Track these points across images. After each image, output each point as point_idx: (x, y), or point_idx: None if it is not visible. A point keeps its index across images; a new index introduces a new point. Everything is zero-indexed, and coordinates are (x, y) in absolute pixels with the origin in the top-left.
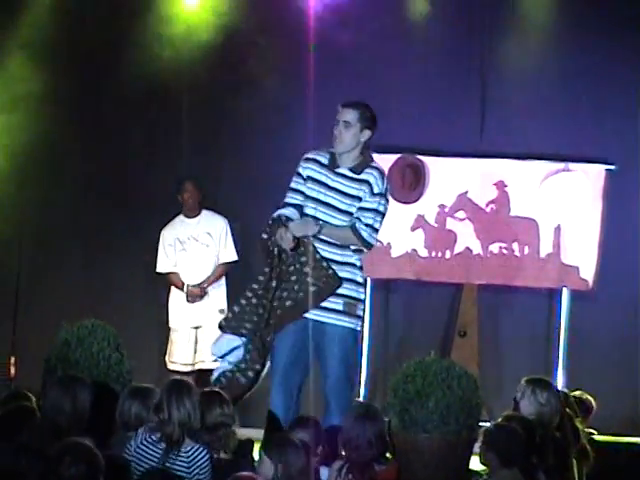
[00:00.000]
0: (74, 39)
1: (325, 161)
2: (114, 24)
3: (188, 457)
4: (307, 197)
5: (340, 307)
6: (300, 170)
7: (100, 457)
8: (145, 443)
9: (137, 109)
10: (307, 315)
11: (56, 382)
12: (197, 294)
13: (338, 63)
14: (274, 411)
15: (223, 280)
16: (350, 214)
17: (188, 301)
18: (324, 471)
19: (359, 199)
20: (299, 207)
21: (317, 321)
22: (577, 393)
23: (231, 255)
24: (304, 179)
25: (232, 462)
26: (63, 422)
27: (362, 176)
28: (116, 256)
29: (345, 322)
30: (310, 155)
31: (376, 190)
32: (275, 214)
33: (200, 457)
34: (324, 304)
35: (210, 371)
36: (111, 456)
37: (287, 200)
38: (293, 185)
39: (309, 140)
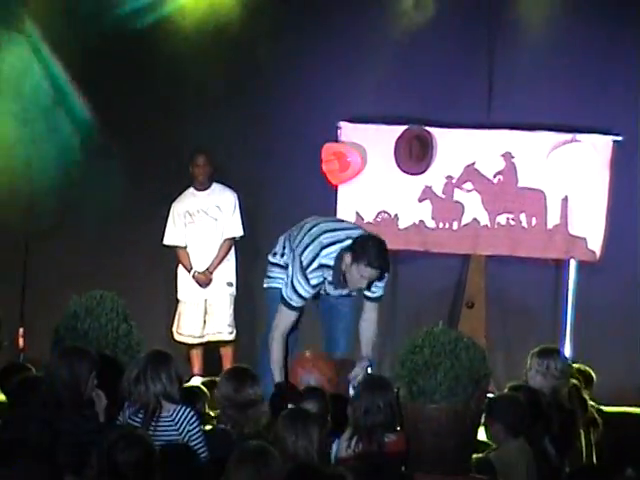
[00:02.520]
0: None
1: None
2: None
3: (173, 419)
4: None
5: None
6: None
7: (153, 444)
8: (131, 416)
9: (152, 80)
10: None
11: (57, 354)
12: (204, 281)
13: (347, 38)
14: None
15: (232, 254)
16: None
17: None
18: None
19: None
20: None
21: None
22: (577, 365)
23: (237, 230)
24: None
25: (257, 437)
26: (62, 393)
27: None
28: (126, 228)
29: None
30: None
31: None
32: None
33: (184, 415)
34: None
35: (218, 343)
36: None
37: None
38: None
39: (319, 114)
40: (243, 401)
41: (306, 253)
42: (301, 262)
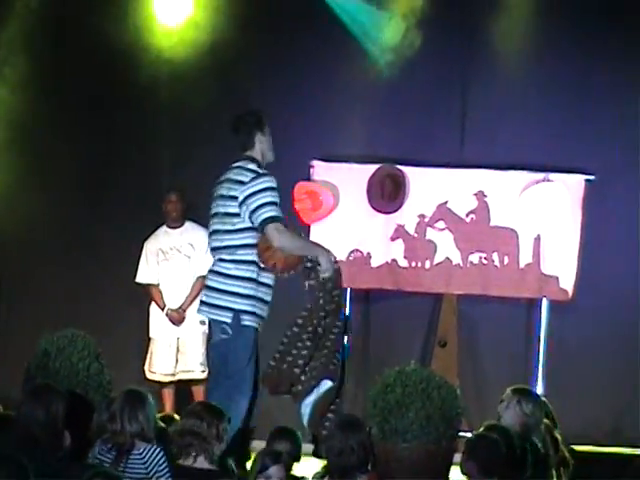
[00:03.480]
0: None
1: None
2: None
3: (142, 458)
4: None
5: None
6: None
7: None
8: (102, 453)
9: (124, 118)
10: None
11: (29, 392)
12: (177, 319)
13: (321, 77)
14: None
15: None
16: None
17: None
18: None
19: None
20: None
21: None
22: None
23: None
24: None
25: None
26: (37, 431)
27: None
28: (99, 266)
29: None
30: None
31: None
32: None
33: (154, 455)
34: None
35: (190, 381)
36: None
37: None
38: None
39: (292, 152)
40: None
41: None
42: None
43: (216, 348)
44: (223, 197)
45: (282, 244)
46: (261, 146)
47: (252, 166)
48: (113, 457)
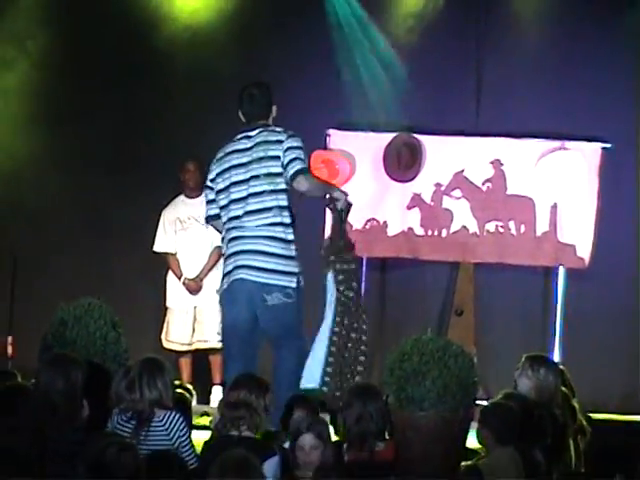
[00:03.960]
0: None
1: None
2: None
3: (164, 425)
4: None
5: None
6: None
7: (138, 452)
8: (121, 422)
9: (140, 87)
10: None
11: (49, 361)
12: (194, 289)
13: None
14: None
15: (221, 261)
16: None
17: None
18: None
19: None
20: None
21: None
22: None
23: None
24: None
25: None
26: (57, 400)
27: None
28: (115, 235)
29: None
30: None
31: None
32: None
33: (175, 421)
34: None
35: (207, 350)
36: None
37: None
38: None
39: (308, 121)
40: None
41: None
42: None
43: (274, 311)
44: (262, 159)
45: (310, 188)
46: (273, 118)
47: (279, 128)
48: (133, 426)
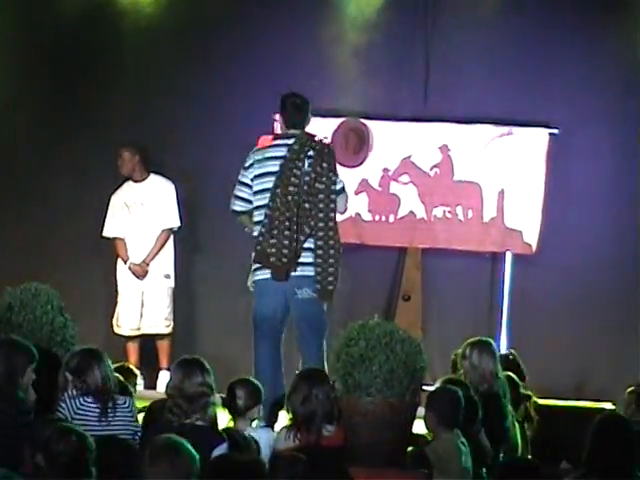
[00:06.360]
0: None
1: None
2: None
3: (127, 407)
4: None
5: None
6: None
7: (85, 435)
8: (84, 404)
9: (90, 72)
10: None
11: None
12: (140, 273)
13: (287, 30)
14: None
15: (170, 245)
16: None
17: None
18: (266, 434)
19: None
20: None
21: None
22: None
23: (174, 221)
24: None
25: (207, 429)
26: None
27: None
28: (64, 220)
29: None
30: None
31: None
32: None
33: (131, 405)
34: None
35: (154, 336)
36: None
37: None
38: None
39: (256, 105)
40: (192, 392)
41: None
42: None
43: (307, 304)
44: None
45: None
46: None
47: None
48: (99, 409)
